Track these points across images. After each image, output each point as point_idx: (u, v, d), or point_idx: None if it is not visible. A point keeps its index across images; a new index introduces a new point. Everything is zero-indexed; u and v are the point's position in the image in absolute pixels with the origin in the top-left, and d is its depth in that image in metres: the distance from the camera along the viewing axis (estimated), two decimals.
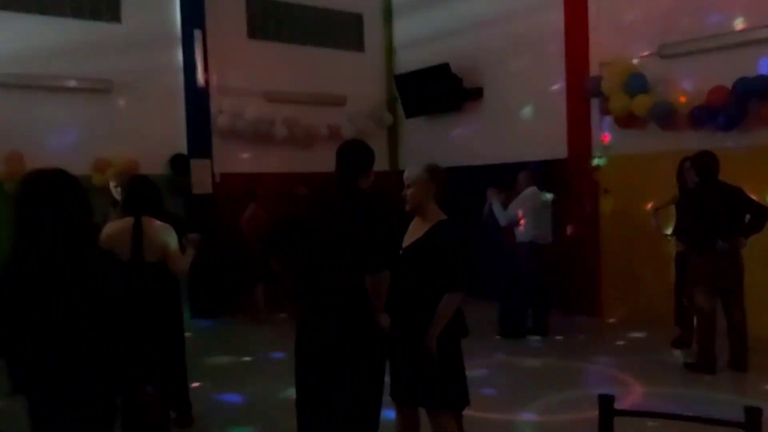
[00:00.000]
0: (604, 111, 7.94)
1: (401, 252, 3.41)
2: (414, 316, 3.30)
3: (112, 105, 8.73)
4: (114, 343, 2.45)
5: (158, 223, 4.15)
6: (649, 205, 7.12)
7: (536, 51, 8.84)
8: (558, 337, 7.24)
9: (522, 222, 7.15)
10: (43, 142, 8.02)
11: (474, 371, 5.75)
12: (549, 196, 7.39)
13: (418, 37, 10.61)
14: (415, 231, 3.43)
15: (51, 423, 2.40)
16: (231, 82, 9.48)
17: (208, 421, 4.94)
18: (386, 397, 3.37)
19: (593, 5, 8.13)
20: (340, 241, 3.19)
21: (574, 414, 4.83)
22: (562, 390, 5.40)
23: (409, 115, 10.63)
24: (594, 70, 8.10)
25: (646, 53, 7.56)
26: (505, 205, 7.24)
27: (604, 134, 8.01)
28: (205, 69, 9.09)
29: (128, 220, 4.09)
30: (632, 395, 5.24)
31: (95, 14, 8.63)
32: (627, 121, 7.66)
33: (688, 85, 7.18)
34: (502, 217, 7.20)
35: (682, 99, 7.12)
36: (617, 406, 2.31)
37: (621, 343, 7.01)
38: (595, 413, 2.33)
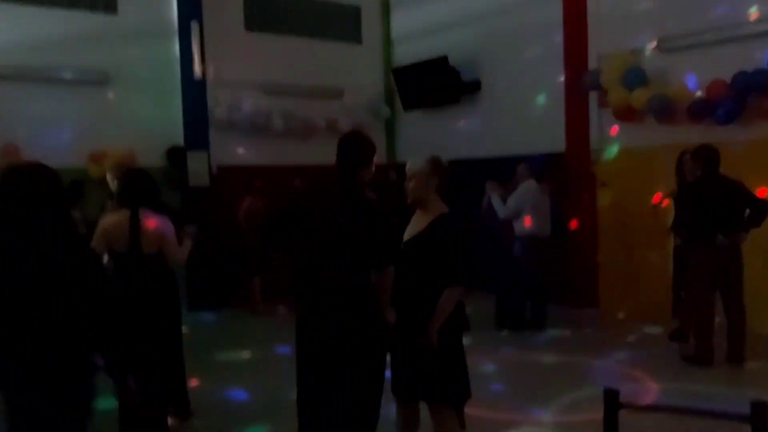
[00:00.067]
0: (603, 104, 7.93)
1: (403, 245, 3.38)
2: (415, 311, 3.28)
3: (109, 96, 8.66)
4: (110, 342, 2.44)
5: (155, 215, 4.12)
6: (657, 197, 6.92)
7: (535, 44, 8.79)
8: (558, 332, 7.23)
9: (528, 220, 7.11)
10: (38, 133, 7.95)
11: (481, 367, 5.82)
12: None
13: (416, 29, 10.55)
14: (416, 224, 3.40)
15: (33, 420, 2.35)
16: (228, 74, 9.42)
17: (215, 420, 4.84)
18: (386, 392, 3.34)
19: None
20: (341, 241, 3.17)
21: (583, 413, 4.73)
22: (565, 385, 5.36)
23: (406, 108, 10.60)
24: (593, 63, 8.07)
25: (647, 46, 7.53)
26: (504, 199, 7.22)
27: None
28: (202, 61, 9.02)
29: (125, 212, 4.07)
30: (635, 388, 5.21)
31: (91, 5, 8.56)
32: (625, 114, 7.64)
33: (687, 79, 7.16)
34: (501, 211, 7.18)
35: (682, 93, 7.10)
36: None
37: (619, 336, 6.98)
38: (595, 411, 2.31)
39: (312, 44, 10.30)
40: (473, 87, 9.66)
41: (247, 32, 9.81)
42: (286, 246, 3.40)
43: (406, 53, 10.69)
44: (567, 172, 8.30)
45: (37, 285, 2.30)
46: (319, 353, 3.20)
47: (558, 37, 8.40)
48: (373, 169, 3.37)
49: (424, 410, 3.46)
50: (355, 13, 10.94)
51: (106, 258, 4.00)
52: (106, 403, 3.00)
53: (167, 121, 8.93)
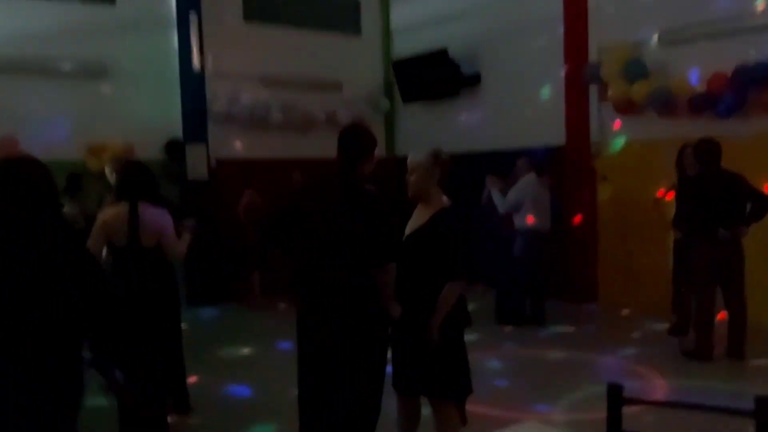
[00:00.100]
0: (603, 97, 7.89)
1: (404, 239, 3.36)
2: (416, 305, 3.26)
3: (106, 89, 8.60)
4: (108, 340, 2.42)
5: (154, 208, 4.10)
6: (661, 192, 6.86)
7: (535, 37, 8.75)
8: (559, 327, 7.20)
9: (530, 218, 7.08)
10: (36, 126, 7.91)
11: (484, 362, 5.80)
12: None
13: (416, 22, 10.50)
14: (418, 218, 3.38)
15: (33, 420, 2.32)
16: (227, 66, 9.37)
17: (214, 416, 4.80)
18: (387, 388, 3.33)
19: None
20: (341, 241, 3.16)
21: (586, 410, 4.71)
22: (567, 381, 5.34)
23: (406, 101, 10.55)
24: (593, 56, 8.03)
25: (648, 38, 7.50)
26: (504, 193, 7.19)
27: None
28: (201, 52, 8.97)
29: (124, 206, 4.04)
30: (638, 384, 5.19)
31: None
32: (626, 107, 7.61)
33: (688, 72, 7.13)
34: (501, 205, 7.16)
35: (683, 86, 7.07)
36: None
37: (620, 332, 6.98)
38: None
39: (311, 36, 10.24)
40: (473, 80, 9.62)
41: (246, 23, 9.74)
42: (287, 246, 3.39)
43: (405, 46, 10.64)
44: (567, 166, 8.27)
45: (36, 285, 2.28)
46: (319, 353, 3.20)
47: (558, 30, 8.36)
48: (375, 162, 3.34)
49: (425, 406, 3.45)
50: (355, 5, 10.89)
51: (105, 252, 3.97)
52: (98, 400, 2.97)
53: (166, 114, 8.89)
